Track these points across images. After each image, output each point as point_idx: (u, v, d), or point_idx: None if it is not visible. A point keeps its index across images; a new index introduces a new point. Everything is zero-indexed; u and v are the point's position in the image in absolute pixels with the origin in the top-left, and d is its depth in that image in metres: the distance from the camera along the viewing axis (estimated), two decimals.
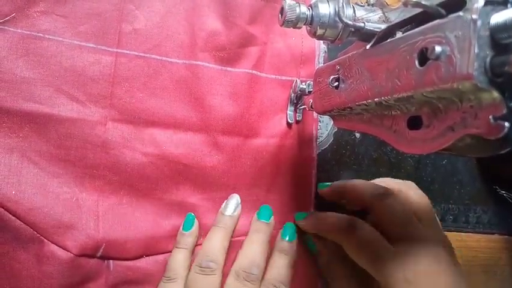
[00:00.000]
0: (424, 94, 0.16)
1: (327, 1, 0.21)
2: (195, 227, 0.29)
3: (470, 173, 0.41)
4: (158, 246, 0.29)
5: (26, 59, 0.26)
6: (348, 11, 0.21)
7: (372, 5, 0.22)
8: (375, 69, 0.20)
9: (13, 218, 0.25)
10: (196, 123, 0.30)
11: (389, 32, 0.20)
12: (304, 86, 0.32)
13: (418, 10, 0.18)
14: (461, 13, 0.14)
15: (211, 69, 0.31)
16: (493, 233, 0.43)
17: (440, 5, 0.16)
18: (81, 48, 0.27)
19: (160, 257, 0.29)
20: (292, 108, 0.33)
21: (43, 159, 0.26)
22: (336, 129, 0.36)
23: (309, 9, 0.22)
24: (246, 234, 0.31)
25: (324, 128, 0.35)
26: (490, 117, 0.14)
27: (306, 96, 0.33)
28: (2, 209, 0.25)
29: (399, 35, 0.20)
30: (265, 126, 0.33)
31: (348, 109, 0.23)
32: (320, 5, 0.21)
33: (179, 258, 0.28)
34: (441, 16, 0.16)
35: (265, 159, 0.32)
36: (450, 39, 0.15)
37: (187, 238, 0.29)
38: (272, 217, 0.31)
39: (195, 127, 0.30)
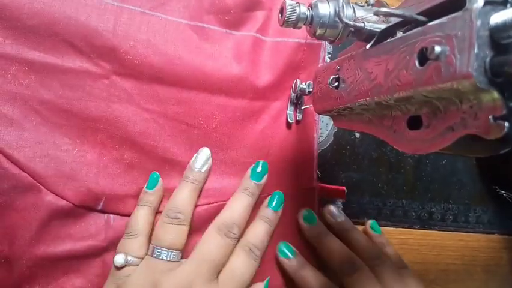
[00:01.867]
0: (424, 94, 0.16)
1: (327, 1, 0.21)
2: (159, 186, 0.29)
3: (469, 173, 0.41)
4: None
5: (30, 7, 0.26)
6: (348, 11, 0.21)
7: (372, 5, 0.22)
8: (375, 69, 0.20)
9: (13, 165, 0.25)
10: (200, 82, 0.30)
11: (389, 32, 0.20)
12: (305, 86, 0.32)
13: (418, 10, 0.18)
14: (460, 13, 0.14)
15: (216, 31, 0.31)
16: (493, 233, 0.43)
17: (437, 6, 0.16)
18: (85, 0, 0.27)
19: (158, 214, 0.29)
20: (293, 108, 0.33)
21: (46, 109, 0.27)
22: (336, 129, 0.36)
23: (309, 9, 0.22)
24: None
25: (324, 128, 0.35)
26: (490, 117, 0.14)
27: (306, 96, 0.33)
28: (2, 156, 0.25)
29: (399, 35, 0.20)
30: (269, 89, 0.32)
31: (348, 109, 0.23)
32: (319, 5, 0.21)
33: (141, 214, 0.28)
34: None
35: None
36: (450, 39, 0.15)
37: (150, 196, 0.29)
38: (264, 177, 0.31)
39: (198, 86, 0.30)
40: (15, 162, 0.25)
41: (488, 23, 0.14)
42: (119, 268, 0.27)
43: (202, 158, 0.30)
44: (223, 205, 0.30)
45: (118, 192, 0.28)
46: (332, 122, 0.35)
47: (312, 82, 0.30)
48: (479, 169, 0.41)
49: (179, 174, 0.30)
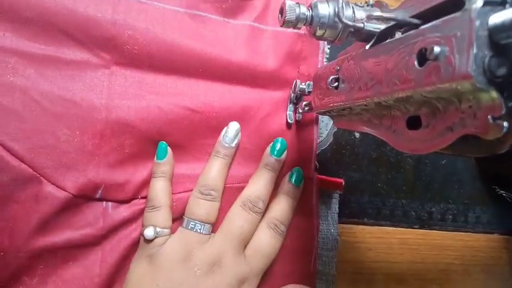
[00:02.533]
0: (423, 94, 0.16)
1: (326, 2, 0.21)
2: (169, 155, 0.30)
3: (469, 173, 0.41)
4: None
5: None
6: (348, 12, 0.21)
7: (372, 5, 0.22)
8: (374, 70, 0.20)
9: (12, 157, 0.25)
10: (200, 70, 0.30)
11: (388, 32, 0.20)
12: (304, 86, 0.32)
13: (417, 11, 0.18)
14: (459, 13, 0.14)
15: (213, 20, 0.31)
16: (493, 233, 0.43)
17: (438, 5, 0.16)
18: None
19: None
20: (292, 108, 0.34)
21: (45, 100, 0.27)
22: (336, 129, 0.36)
23: (308, 9, 0.22)
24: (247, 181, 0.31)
25: (324, 128, 0.35)
26: (489, 117, 0.14)
27: (306, 97, 0.33)
28: (2, 148, 0.25)
29: (398, 35, 0.20)
30: (269, 78, 0.33)
31: (348, 109, 0.23)
32: (319, 5, 0.21)
33: (159, 186, 0.29)
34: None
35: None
36: (449, 40, 0.15)
37: (163, 166, 0.29)
38: (284, 153, 0.32)
39: (198, 73, 0.30)
40: (15, 154, 0.25)
41: (487, 24, 0.14)
42: (149, 241, 0.28)
43: (232, 132, 0.31)
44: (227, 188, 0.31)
45: (117, 180, 0.28)
46: (332, 122, 0.35)
47: (311, 82, 0.30)
48: (478, 169, 0.41)
49: (181, 160, 0.30)
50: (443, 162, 0.40)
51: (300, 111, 0.33)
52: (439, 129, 0.16)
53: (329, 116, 0.27)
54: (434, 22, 0.16)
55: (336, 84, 0.24)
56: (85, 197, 0.27)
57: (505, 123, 0.13)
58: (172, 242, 0.28)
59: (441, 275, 0.40)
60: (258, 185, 0.30)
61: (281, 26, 0.23)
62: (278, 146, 0.32)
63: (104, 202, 0.28)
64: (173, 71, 0.30)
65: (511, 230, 0.43)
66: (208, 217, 0.29)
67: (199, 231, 0.28)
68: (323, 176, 0.34)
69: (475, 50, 0.14)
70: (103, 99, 0.28)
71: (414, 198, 0.39)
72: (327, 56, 0.36)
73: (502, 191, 0.42)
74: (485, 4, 0.14)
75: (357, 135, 0.37)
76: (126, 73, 0.29)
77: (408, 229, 0.39)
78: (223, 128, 0.31)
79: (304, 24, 0.22)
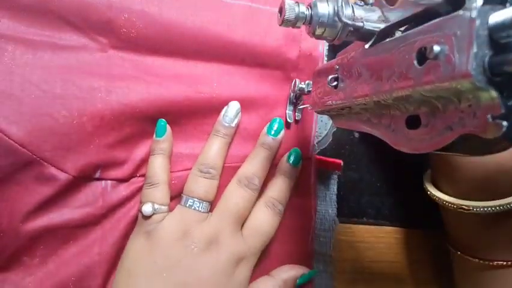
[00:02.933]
0: (423, 93, 0.16)
1: (326, 1, 0.21)
2: (168, 132, 0.30)
3: None
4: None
5: None
6: (347, 11, 0.21)
7: (371, 4, 0.22)
8: (374, 69, 0.20)
9: (12, 141, 0.25)
10: (196, 51, 0.30)
11: (388, 31, 0.20)
12: (304, 86, 0.32)
13: (417, 9, 0.18)
14: (459, 12, 0.14)
15: (210, 0, 0.31)
16: None
17: (438, 4, 0.16)
18: None
19: None
20: (292, 107, 0.33)
21: (44, 83, 0.27)
22: (335, 129, 0.36)
23: (308, 8, 0.22)
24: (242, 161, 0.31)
25: (323, 127, 0.35)
26: (488, 116, 0.14)
27: (305, 96, 0.33)
28: (1, 134, 0.25)
29: (398, 34, 0.20)
30: (269, 57, 0.32)
31: (347, 108, 0.23)
32: (319, 4, 0.21)
33: (158, 163, 0.29)
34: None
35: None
36: (448, 39, 0.15)
37: (162, 144, 0.29)
38: (281, 133, 0.32)
39: (195, 55, 0.30)
40: (14, 138, 0.25)
41: (487, 22, 0.14)
42: (147, 217, 0.28)
43: (232, 112, 0.31)
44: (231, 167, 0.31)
45: (116, 160, 0.28)
46: (331, 122, 0.35)
47: (311, 81, 0.30)
48: None
49: (181, 139, 0.30)
50: None
51: (300, 107, 0.33)
52: (439, 129, 0.16)
53: (328, 115, 0.27)
54: (433, 21, 0.16)
55: (335, 83, 0.24)
56: (84, 177, 0.27)
57: (504, 123, 0.13)
58: (170, 219, 0.28)
59: (440, 275, 0.40)
60: (254, 162, 0.31)
61: (280, 25, 0.23)
62: (275, 126, 0.32)
63: (103, 181, 0.28)
64: (172, 52, 0.30)
65: None
66: (206, 195, 0.29)
67: (197, 209, 0.29)
68: (322, 157, 0.34)
69: (474, 49, 0.14)
70: (101, 81, 0.28)
71: (414, 198, 0.39)
72: None
73: None
74: (485, 3, 0.14)
75: (356, 134, 0.37)
76: (124, 56, 0.29)
77: (408, 229, 0.39)
78: (223, 108, 0.31)
79: (303, 23, 0.22)
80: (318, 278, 0.34)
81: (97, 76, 0.28)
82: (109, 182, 0.29)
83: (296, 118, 0.34)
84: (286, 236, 0.32)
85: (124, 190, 0.29)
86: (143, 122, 0.29)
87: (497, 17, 0.13)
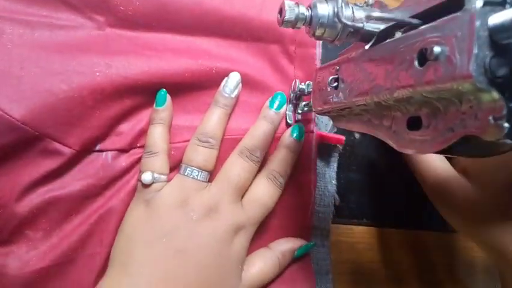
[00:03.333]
0: (424, 94, 0.16)
1: (326, 1, 0.21)
2: (168, 102, 0.30)
3: None
4: None
5: None
6: (347, 12, 0.21)
7: (371, 5, 0.22)
8: (374, 70, 0.20)
9: (13, 120, 0.25)
10: (194, 26, 0.30)
11: (388, 32, 0.20)
12: (304, 86, 0.32)
13: (417, 10, 0.18)
14: (459, 13, 0.14)
15: None
16: None
17: (438, 5, 0.16)
18: None
19: None
20: (292, 108, 0.33)
21: (43, 60, 0.27)
22: (335, 130, 0.36)
23: (308, 9, 0.22)
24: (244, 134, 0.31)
25: (323, 128, 0.35)
26: (490, 117, 0.14)
27: (305, 97, 0.33)
28: (2, 112, 0.25)
29: (398, 35, 0.20)
30: (265, 31, 0.32)
31: (348, 109, 0.23)
32: (318, 5, 0.21)
33: (157, 132, 0.29)
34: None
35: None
36: (449, 40, 0.15)
37: (162, 113, 0.29)
38: (284, 107, 0.32)
39: (193, 30, 0.31)
40: (16, 116, 0.25)
41: (487, 24, 0.14)
42: (146, 186, 0.28)
43: (232, 83, 0.31)
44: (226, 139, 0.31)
45: (117, 131, 0.29)
46: (331, 123, 0.35)
47: (311, 82, 0.30)
48: None
49: (180, 111, 0.30)
50: None
51: (299, 111, 0.33)
52: (440, 130, 0.16)
53: (328, 116, 0.27)
54: (434, 22, 0.16)
55: (335, 84, 0.24)
56: (86, 150, 0.28)
57: (506, 124, 0.13)
58: (169, 188, 0.28)
59: (440, 275, 0.40)
60: (257, 135, 0.30)
61: (280, 26, 0.23)
62: (278, 100, 0.32)
63: (104, 153, 0.28)
64: (170, 28, 0.30)
65: None
66: (206, 164, 0.29)
67: (196, 177, 0.28)
68: (324, 132, 0.34)
69: (475, 50, 0.13)
70: (100, 57, 0.28)
71: (414, 199, 0.39)
72: None
73: None
74: (485, 4, 0.14)
75: (356, 135, 0.37)
76: (122, 34, 0.29)
77: (408, 229, 0.39)
78: (223, 81, 0.31)
79: (303, 24, 0.22)
80: (315, 252, 0.34)
81: (95, 52, 0.28)
82: (109, 153, 0.29)
83: (296, 119, 0.34)
84: (285, 210, 0.33)
85: (124, 161, 0.29)
86: (143, 94, 0.29)
87: (497, 18, 0.13)
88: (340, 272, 0.36)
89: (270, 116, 0.31)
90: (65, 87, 0.27)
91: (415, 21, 0.18)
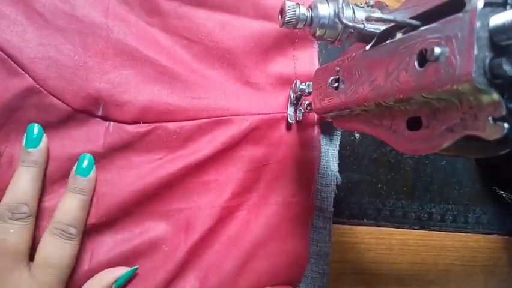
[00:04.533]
0: (424, 95, 0.16)
1: (326, 2, 0.21)
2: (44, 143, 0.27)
3: (469, 174, 0.41)
4: (155, 115, 0.29)
5: None
6: (348, 12, 0.21)
7: (372, 6, 0.22)
8: (374, 70, 0.20)
9: (15, 65, 0.25)
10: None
11: (389, 33, 0.20)
12: (304, 87, 0.32)
13: (418, 11, 0.18)
14: (460, 14, 0.14)
15: None
16: (493, 234, 0.43)
17: (439, 6, 0.16)
18: None
19: (157, 125, 0.29)
20: (292, 108, 0.33)
21: (48, 12, 0.27)
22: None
23: (308, 10, 0.22)
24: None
25: None
26: (489, 118, 0.14)
27: (306, 97, 0.33)
28: (5, 56, 0.25)
29: (398, 36, 0.20)
30: (272, 9, 0.32)
31: (348, 110, 0.23)
32: (319, 6, 0.21)
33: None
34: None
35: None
36: (449, 41, 0.15)
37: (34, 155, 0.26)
38: (93, 170, 0.28)
39: (199, 2, 0.30)
40: (16, 61, 0.25)
41: (488, 25, 0.14)
42: None
43: (83, 164, 0.28)
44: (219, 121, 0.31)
45: (118, 100, 0.28)
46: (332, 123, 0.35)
47: (312, 83, 0.30)
48: (478, 170, 0.41)
49: (181, 86, 0.30)
50: (443, 163, 0.40)
51: (302, 111, 0.33)
52: (440, 130, 0.16)
53: (328, 116, 0.27)
54: (434, 23, 0.16)
55: (336, 84, 0.24)
56: (85, 112, 0.28)
57: (506, 125, 0.13)
58: None
59: (441, 275, 0.40)
60: (68, 205, 0.27)
61: (281, 27, 0.23)
62: (85, 163, 0.28)
63: (107, 122, 0.28)
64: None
65: (510, 230, 0.43)
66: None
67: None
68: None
69: (475, 51, 0.14)
70: (103, 18, 0.28)
71: (414, 199, 0.39)
72: None
73: (502, 192, 0.42)
74: (485, 5, 0.14)
75: (357, 135, 0.37)
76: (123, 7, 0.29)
77: (408, 230, 0.39)
78: (224, 59, 0.31)
79: (304, 25, 0.22)
80: (316, 233, 0.34)
81: (99, 12, 0.28)
82: (112, 123, 0.29)
83: (297, 119, 0.34)
84: (289, 186, 0.32)
85: (125, 133, 0.29)
86: (145, 64, 0.29)
87: (498, 19, 0.13)
88: (340, 272, 0.36)
89: (78, 186, 0.27)
90: (68, 45, 0.27)
91: (415, 22, 0.18)
